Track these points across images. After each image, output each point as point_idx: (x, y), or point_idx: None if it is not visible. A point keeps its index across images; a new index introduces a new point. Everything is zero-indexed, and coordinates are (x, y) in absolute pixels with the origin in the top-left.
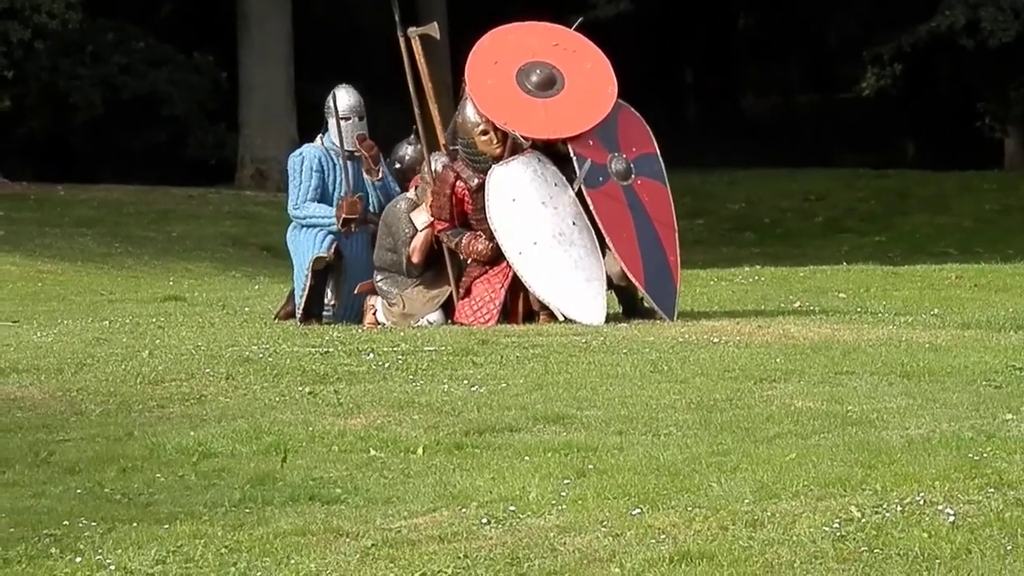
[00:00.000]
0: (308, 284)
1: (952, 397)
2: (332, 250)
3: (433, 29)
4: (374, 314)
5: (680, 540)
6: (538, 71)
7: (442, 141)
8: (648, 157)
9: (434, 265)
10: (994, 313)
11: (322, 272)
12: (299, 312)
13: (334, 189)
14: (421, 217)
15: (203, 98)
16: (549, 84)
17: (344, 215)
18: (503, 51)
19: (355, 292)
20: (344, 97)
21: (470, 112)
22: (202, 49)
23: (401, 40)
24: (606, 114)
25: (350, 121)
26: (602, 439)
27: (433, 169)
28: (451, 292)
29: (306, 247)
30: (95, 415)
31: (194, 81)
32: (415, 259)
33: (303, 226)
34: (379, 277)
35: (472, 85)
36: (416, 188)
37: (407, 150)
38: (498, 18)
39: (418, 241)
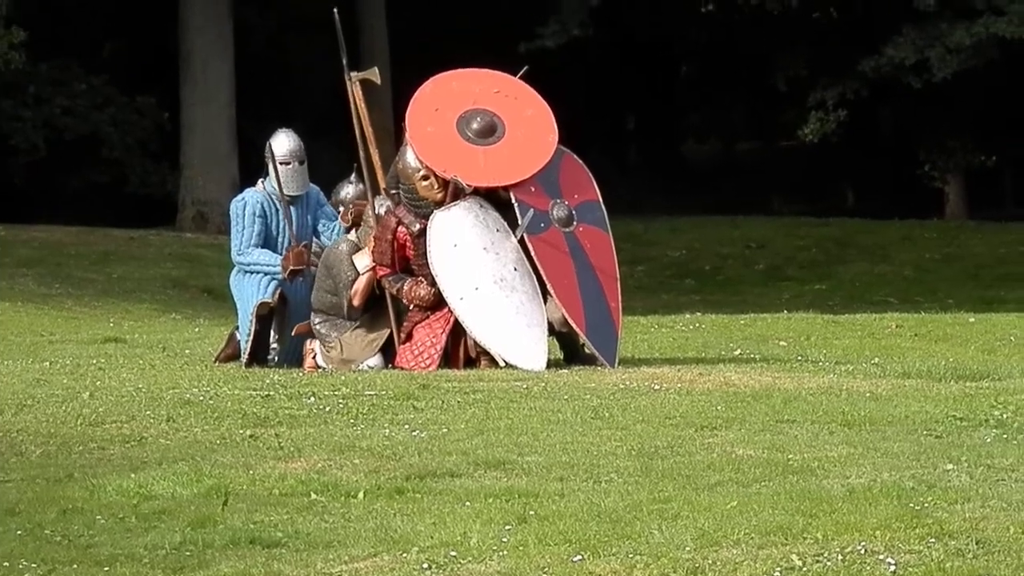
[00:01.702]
0: (253, 330)
1: (893, 447)
2: (276, 296)
3: (374, 74)
4: (314, 358)
5: None
6: (479, 118)
7: (383, 185)
8: (590, 204)
9: (372, 308)
10: (934, 363)
11: (267, 317)
12: (245, 357)
13: (277, 234)
14: (363, 260)
15: (145, 138)
16: (490, 131)
17: (291, 266)
18: (444, 98)
19: (292, 334)
20: (284, 142)
21: (410, 157)
22: (145, 90)
23: (349, 84)
24: (546, 162)
25: (290, 166)
26: (543, 485)
27: (376, 213)
28: (390, 334)
29: (250, 293)
30: (35, 456)
31: (136, 122)
32: (356, 302)
33: (247, 272)
34: (317, 320)
35: (412, 132)
36: (357, 230)
37: (348, 189)
38: (441, 60)
39: (360, 284)
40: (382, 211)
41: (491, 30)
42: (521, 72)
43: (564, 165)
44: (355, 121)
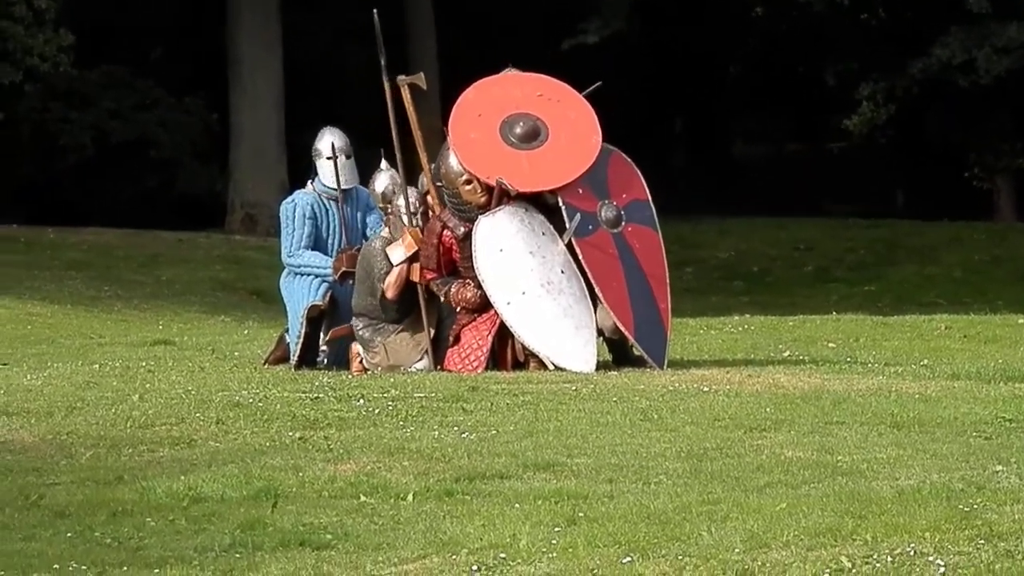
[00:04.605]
0: (303, 332)
1: (942, 448)
2: (327, 298)
3: (420, 79)
4: (360, 361)
5: None
6: (522, 123)
7: (427, 183)
8: (639, 203)
9: (414, 310)
10: (983, 364)
11: (317, 319)
12: (294, 359)
13: (327, 235)
14: (397, 253)
15: (194, 140)
16: (533, 136)
17: (345, 268)
18: (487, 103)
19: (329, 338)
20: (330, 137)
21: (453, 162)
22: (193, 93)
23: (387, 86)
24: (589, 165)
25: (338, 160)
26: (592, 487)
27: (410, 201)
28: (434, 336)
29: (301, 295)
30: (85, 459)
31: (184, 124)
32: (389, 295)
33: (297, 274)
34: (360, 324)
35: (455, 139)
36: (388, 225)
37: (383, 178)
38: (488, 59)
39: (392, 276)
40: (414, 199)
41: (538, 30)
42: (591, 88)
43: (612, 163)
44: (416, 119)
